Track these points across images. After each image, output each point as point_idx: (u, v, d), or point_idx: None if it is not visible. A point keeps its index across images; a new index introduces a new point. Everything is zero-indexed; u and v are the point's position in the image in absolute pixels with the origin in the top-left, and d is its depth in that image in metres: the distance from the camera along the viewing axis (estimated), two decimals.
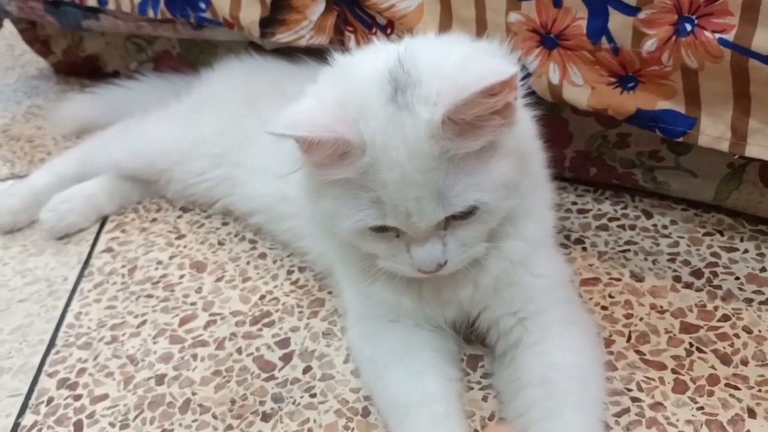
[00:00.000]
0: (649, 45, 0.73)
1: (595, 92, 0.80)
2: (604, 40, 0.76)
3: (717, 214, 0.88)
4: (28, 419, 0.77)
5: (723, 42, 0.69)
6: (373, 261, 0.65)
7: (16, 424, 0.76)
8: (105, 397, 0.78)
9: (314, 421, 0.71)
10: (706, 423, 0.64)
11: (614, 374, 0.70)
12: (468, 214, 0.58)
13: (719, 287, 0.78)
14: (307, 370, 0.77)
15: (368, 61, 0.61)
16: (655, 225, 0.88)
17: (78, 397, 0.79)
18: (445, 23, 0.88)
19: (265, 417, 0.72)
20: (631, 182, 0.92)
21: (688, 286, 0.78)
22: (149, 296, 0.93)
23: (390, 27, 0.93)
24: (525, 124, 0.63)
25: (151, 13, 1.22)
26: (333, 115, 0.55)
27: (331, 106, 0.57)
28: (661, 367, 0.70)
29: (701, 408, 0.65)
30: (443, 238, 0.60)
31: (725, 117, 0.73)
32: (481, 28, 0.85)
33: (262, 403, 0.74)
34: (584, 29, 0.77)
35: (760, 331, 0.72)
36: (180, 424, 0.73)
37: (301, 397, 0.74)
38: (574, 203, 0.95)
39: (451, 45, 0.62)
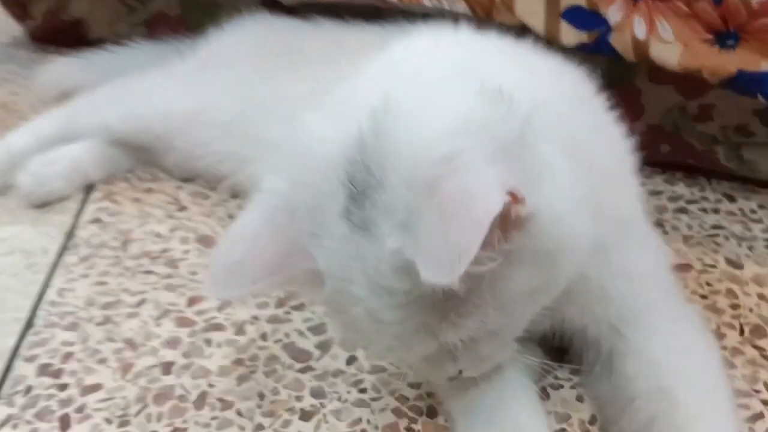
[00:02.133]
0: None
1: (687, 50, 0.70)
2: None
3: None
4: (2, 410, 0.61)
5: None
6: None
7: None
8: (98, 387, 0.63)
9: (368, 421, 0.57)
10: None
11: (734, 373, 0.58)
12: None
13: None
14: (351, 360, 0.63)
15: (328, 127, 0.44)
16: (741, 209, 0.78)
17: (63, 387, 0.63)
18: None
19: (305, 415, 0.58)
20: (710, 162, 0.81)
21: None
22: (148, 272, 0.78)
23: None
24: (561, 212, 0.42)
25: None
26: (283, 243, 0.42)
27: (281, 224, 0.43)
28: None
29: None
30: (452, 351, 0.44)
31: None
32: None
33: (299, 398, 0.60)
34: None
35: None
36: (196, 422, 0.58)
37: (348, 393, 0.60)
38: (644, 184, 0.83)
39: (446, 100, 0.42)
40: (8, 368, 0.66)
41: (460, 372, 0.47)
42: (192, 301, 0.73)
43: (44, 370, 0.65)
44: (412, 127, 0.40)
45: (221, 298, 0.42)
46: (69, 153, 0.96)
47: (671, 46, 0.70)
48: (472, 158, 0.36)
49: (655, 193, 0.83)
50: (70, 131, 0.99)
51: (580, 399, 0.57)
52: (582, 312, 0.53)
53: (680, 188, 0.82)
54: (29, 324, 0.72)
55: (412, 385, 0.60)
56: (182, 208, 0.90)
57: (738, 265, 0.70)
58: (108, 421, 0.60)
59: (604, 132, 0.52)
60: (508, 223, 0.37)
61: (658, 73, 0.78)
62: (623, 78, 0.82)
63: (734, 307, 0.65)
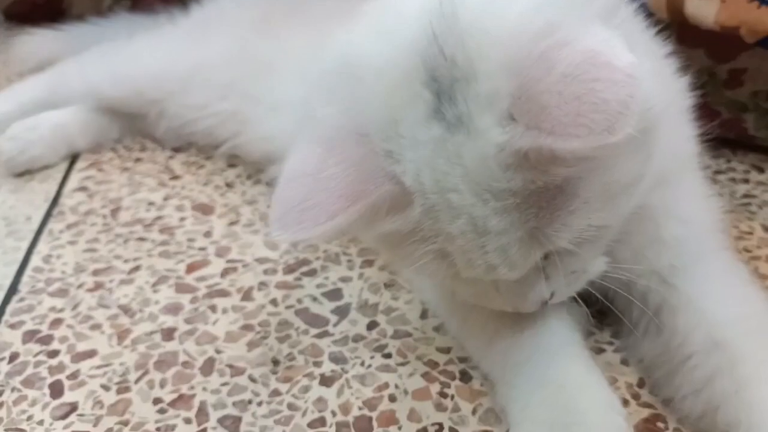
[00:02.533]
0: None
1: (725, 6, 0.66)
2: None
3: None
4: None
5: None
6: None
7: None
8: (92, 353, 0.57)
9: (396, 386, 0.52)
10: None
11: None
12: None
13: None
14: (372, 326, 0.58)
15: (384, 40, 0.40)
16: None
17: (54, 354, 0.57)
18: None
19: (325, 380, 0.53)
20: (737, 131, 0.78)
21: None
22: (141, 239, 0.72)
23: None
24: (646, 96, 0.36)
25: None
26: (356, 169, 0.38)
27: (346, 150, 0.38)
28: None
29: None
30: (544, 270, 0.42)
31: None
32: None
33: (317, 364, 0.54)
34: None
35: None
36: (204, 389, 0.53)
37: (372, 358, 0.55)
38: None
39: None
40: None
41: (551, 296, 0.43)
42: (191, 268, 0.67)
43: (31, 336, 0.59)
44: (493, 10, 0.36)
45: (298, 240, 0.40)
46: (53, 118, 0.90)
47: (709, 3, 0.67)
48: (576, 25, 0.32)
49: None
50: (55, 97, 0.93)
51: (625, 363, 0.53)
52: (635, 256, 0.49)
53: (706, 159, 0.79)
54: (12, 290, 0.65)
55: (441, 350, 0.55)
56: (175, 177, 0.84)
57: None
58: (105, 387, 0.54)
59: (664, 63, 0.48)
60: None
61: (689, 35, 0.75)
62: None
63: None
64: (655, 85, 0.38)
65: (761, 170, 0.76)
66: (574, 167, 0.35)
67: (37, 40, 1.13)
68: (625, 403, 0.49)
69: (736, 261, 0.54)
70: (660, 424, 0.48)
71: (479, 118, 0.35)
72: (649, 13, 0.67)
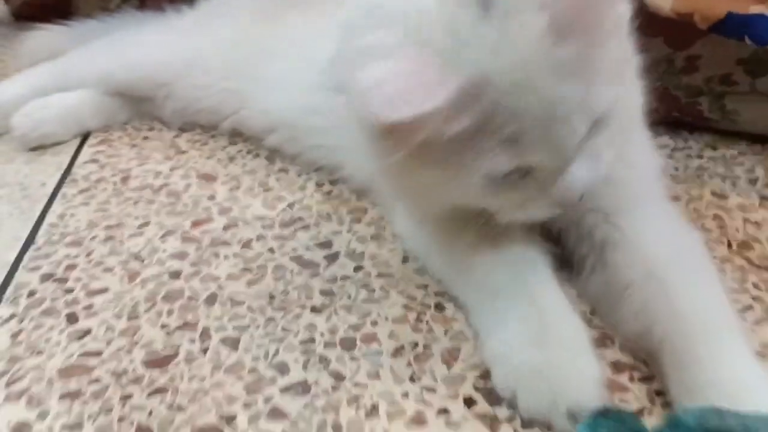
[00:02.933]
0: None
1: None
2: None
3: None
4: (3, 311, 0.60)
5: None
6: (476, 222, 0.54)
7: None
8: (104, 290, 0.63)
9: (378, 314, 0.58)
10: None
11: (724, 276, 0.61)
12: (599, 120, 0.48)
13: None
14: (358, 269, 0.65)
15: None
16: (723, 155, 0.82)
17: (69, 291, 0.64)
18: None
19: (315, 309, 0.59)
20: (694, 114, 0.86)
21: None
22: (150, 201, 0.79)
23: None
24: None
25: None
26: (433, 67, 0.43)
27: (419, 56, 0.44)
28: None
29: None
30: (578, 158, 0.48)
31: None
32: None
33: (309, 297, 0.61)
34: None
35: None
36: (207, 316, 0.59)
37: (357, 293, 0.61)
38: None
39: None
40: (10, 278, 0.66)
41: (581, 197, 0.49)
42: (196, 224, 0.74)
43: (47, 278, 0.66)
44: None
45: (406, 117, 0.40)
46: (65, 99, 0.97)
47: None
48: None
49: None
50: (66, 81, 0.99)
51: (580, 296, 0.59)
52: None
53: (664, 140, 0.86)
54: (29, 242, 0.71)
55: (419, 287, 0.62)
56: (181, 152, 0.91)
57: (723, 197, 0.74)
58: (117, 316, 0.60)
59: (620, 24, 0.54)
60: None
61: (648, 25, 0.83)
62: None
63: (721, 227, 0.69)
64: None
65: (714, 148, 0.84)
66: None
67: (46, 35, 1.20)
68: None
69: (672, 206, 0.61)
70: (608, 341, 0.54)
71: (524, 11, 0.42)
72: None
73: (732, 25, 0.72)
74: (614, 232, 0.57)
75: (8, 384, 0.53)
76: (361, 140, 0.53)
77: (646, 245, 0.55)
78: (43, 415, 0.50)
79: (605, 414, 0.41)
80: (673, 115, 0.88)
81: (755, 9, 0.71)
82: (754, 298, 0.58)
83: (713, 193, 0.74)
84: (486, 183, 0.48)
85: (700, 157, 0.82)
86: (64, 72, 1.01)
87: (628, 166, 0.57)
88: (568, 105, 0.44)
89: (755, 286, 0.60)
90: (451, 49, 0.43)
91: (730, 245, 0.65)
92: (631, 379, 0.51)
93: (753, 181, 0.76)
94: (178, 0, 1.17)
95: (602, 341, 0.55)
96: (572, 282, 0.60)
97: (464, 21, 0.44)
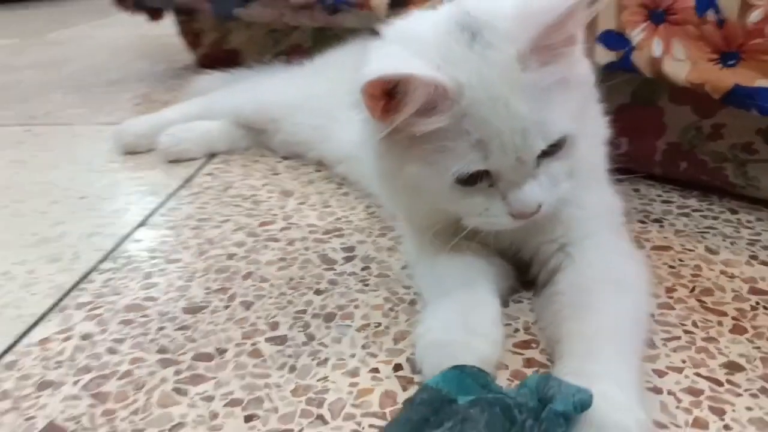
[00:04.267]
0: (754, 16, 0.76)
1: (695, 67, 0.82)
2: (710, 12, 0.79)
3: None
4: (106, 265, 0.84)
5: None
6: (453, 230, 0.65)
7: (95, 268, 0.83)
8: (178, 260, 0.84)
9: (362, 300, 0.73)
10: (761, 359, 0.61)
11: (670, 312, 0.68)
12: (557, 148, 0.59)
13: None
14: (365, 268, 0.80)
15: (427, 20, 0.61)
16: (739, 219, 0.86)
17: (155, 258, 0.85)
18: None
19: (318, 292, 0.75)
20: (721, 179, 0.91)
21: (765, 264, 0.76)
22: (237, 206, 1.00)
23: None
24: (583, 58, 0.64)
25: None
26: (420, 62, 0.54)
27: (411, 56, 0.55)
28: (722, 314, 0.67)
29: (758, 348, 0.62)
30: (537, 178, 0.59)
31: None
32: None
33: (318, 283, 0.77)
34: (693, 2, 0.80)
35: None
36: (239, 286, 0.77)
37: (355, 285, 0.76)
38: (659, 195, 0.95)
39: None
40: (119, 245, 0.89)
41: (539, 208, 0.59)
42: (262, 224, 0.93)
43: (144, 248, 0.88)
44: (490, 8, 0.59)
45: (385, 73, 0.52)
46: (202, 125, 1.23)
47: (682, 64, 0.83)
48: None
49: (665, 201, 0.93)
50: (209, 111, 1.26)
51: (532, 310, 0.70)
52: (543, 229, 0.67)
53: (692, 201, 0.92)
54: (142, 223, 0.95)
55: (405, 287, 0.75)
56: (276, 174, 1.12)
57: (714, 252, 0.79)
58: (179, 278, 0.80)
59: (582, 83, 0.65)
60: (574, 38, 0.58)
61: (678, 94, 0.91)
62: (649, 99, 0.95)
63: (695, 275, 0.74)
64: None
65: (734, 212, 0.88)
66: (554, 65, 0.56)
67: (209, 78, 1.51)
68: (516, 331, 0.66)
69: (629, 246, 0.70)
70: (533, 344, 0.65)
71: (501, 43, 0.55)
72: (637, 72, 0.85)
73: (739, 97, 0.79)
74: (565, 258, 0.68)
75: (89, 311, 0.74)
76: (368, 142, 0.65)
77: (585, 271, 0.65)
78: (102, 332, 0.70)
79: (460, 369, 0.52)
80: (702, 179, 0.94)
81: (761, 83, 0.78)
82: (686, 332, 0.65)
83: (707, 249, 0.80)
84: (455, 185, 0.59)
85: (716, 218, 0.87)
86: (207, 105, 1.28)
87: (581, 207, 0.68)
88: (526, 122, 0.55)
89: (694, 323, 0.66)
90: (440, 62, 0.55)
91: (693, 289, 0.72)
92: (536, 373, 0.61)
93: (752, 243, 0.80)
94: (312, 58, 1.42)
95: (528, 344, 0.65)
96: (532, 298, 0.70)
97: (454, 46, 0.56)
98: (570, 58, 0.59)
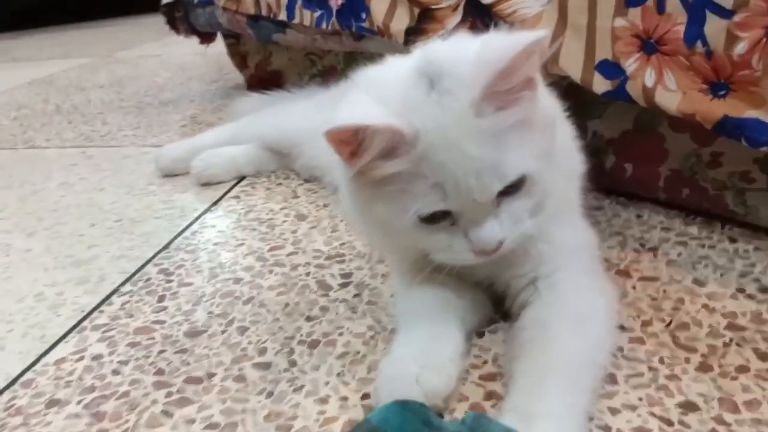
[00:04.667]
0: (740, 48, 0.76)
1: (685, 97, 0.82)
2: (698, 44, 0.79)
3: None
4: (126, 288, 0.91)
5: None
6: (426, 262, 0.68)
7: (116, 290, 0.91)
8: (190, 284, 0.91)
9: (347, 328, 0.78)
10: (719, 399, 0.61)
11: (641, 347, 0.69)
12: (516, 189, 0.62)
13: None
14: (356, 295, 0.84)
15: (393, 68, 0.65)
16: (737, 249, 0.86)
17: (170, 281, 0.92)
18: (560, 29, 0.95)
19: (309, 318, 0.80)
20: (722, 206, 0.91)
21: (751, 297, 0.75)
22: (253, 229, 1.06)
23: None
24: (545, 100, 0.66)
25: (324, 26, 1.41)
26: (380, 111, 0.58)
27: (374, 106, 0.59)
28: (692, 350, 0.68)
29: (719, 387, 0.63)
30: (498, 216, 0.62)
31: None
32: (590, 34, 0.91)
33: (310, 309, 0.82)
34: (682, 34, 0.81)
35: None
36: (238, 311, 0.83)
37: (344, 312, 0.81)
38: (661, 222, 0.95)
39: (464, 40, 0.65)
40: (141, 268, 0.97)
41: (501, 244, 0.62)
42: (272, 248, 0.99)
43: (162, 271, 0.95)
44: (452, 45, 0.64)
45: (346, 124, 0.57)
46: (231, 151, 1.30)
47: (673, 94, 0.83)
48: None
49: (665, 229, 0.93)
50: (239, 137, 1.34)
51: (505, 342, 0.72)
52: (513, 264, 0.70)
53: (693, 229, 0.92)
54: (166, 247, 1.03)
55: (389, 315, 0.79)
56: (295, 197, 1.18)
57: (702, 284, 0.79)
58: (188, 301, 0.87)
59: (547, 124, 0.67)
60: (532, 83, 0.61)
61: (677, 122, 0.91)
62: (650, 125, 0.95)
63: (675, 309, 0.75)
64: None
65: (733, 240, 0.88)
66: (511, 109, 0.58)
67: (249, 101, 1.59)
68: (485, 363, 0.69)
69: (601, 281, 0.71)
70: (498, 377, 0.67)
71: (457, 90, 0.57)
72: (632, 101, 0.86)
73: (729, 127, 0.79)
74: (534, 293, 0.70)
75: (103, 332, 0.82)
76: (343, 181, 0.69)
77: (548, 306, 0.67)
78: (111, 353, 0.77)
79: (402, 404, 0.56)
80: (704, 206, 0.93)
81: (750, 113, 0.78)
82: (650, 369, 0.66)
83: (694, 280, 0.80)
84: (419, 223, 0.62)
85: (712, 247, 0.87)
86: (238, 130, 1.36)
87: (550, 242, 0.70)
88: (481, 164, 0.58)
89: (661, 359, 0.67)
90: (399, 109, 0.58)
91: (669, 324, 0.73)
92: (495, 407, 0.63)
93: (744, 275, 0.80)
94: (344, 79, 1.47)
95: (494, 376, 0.67)
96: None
97: (414, 94, 0.60)
98: (529, 101, 0.62)
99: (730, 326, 0.71)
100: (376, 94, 0.62)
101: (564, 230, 0.71)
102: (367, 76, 0.67)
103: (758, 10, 0.74)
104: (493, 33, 0.64)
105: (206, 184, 1.27)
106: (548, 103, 0.67)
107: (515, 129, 0.60)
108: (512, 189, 0.62)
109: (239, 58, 1.97)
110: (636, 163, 0.99)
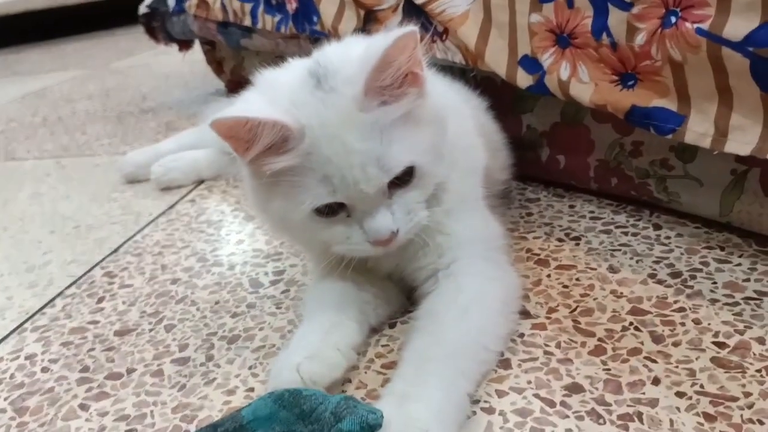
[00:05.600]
0: (639, 39, 0.77)
1: (597, 89, 0.84)
2: (604, 36, 0.81)
3: (728, 234, 0.85)
4: (70, 291, 0.95)
5: (699, 31, 0.71)
6: (331, 255, 0.69)
7: (60, 293, 0.94)
8: (130, 285, 0.94)
9: (268, 323, 0.80)
10: (605, 381, 0.63)
11: (541, 333, 0.71)
12: (406, 181, 0.64)
13: (691, 287, 0.75)
14: (284, 291, 0.87)
15: (287, 71, 0.67)
16: (659, 235, 0.87)
17: (112, 283, 0.96)
18: (486, 28, 0.97)
19: (234, 315, 0.83)
20: (647, 194, 0.92)
21: (660, 282, 0.77)
22: (201, 231, 1.09)
23: (445, 33, 1.04)
24: (437, 97, 0.68)
25: (283, 30, 1.44)
26: (268, 107, 0.60)
27: (264, 103, 0.62)
28: (590, 334, 0.70)
29: (608, 370, 0.64)
30: (390, 207, 0.64)
31: (710, 114, 0.74)
32: (512, 31, 0.93)
33: (237, 306, 0.85)
34: (589, 27, 0.82)
35: (709, 324, 0.69)
36: (170, 310, 0.86)
37: (269, 308, 0.83)
38: (591, 212, 0.96)
39: (354, 41, 0.68)
40: (88, 272, 1.00)
41: (397, 231, 0.64)
42: (214, 249, 1.02)
43: (107, 274, 0.99)
44: (343, 47, 0.67)
45: (228, 116, 0.59)
46: (191, 155, 1.33)
47: (586, 86, 0.85)
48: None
49: (594, 218, 0.95)
50: (200, 142, 1.37)
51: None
52: (415, 256, 0.72)
53: (621, 217, 0.93)
54: (115, 251, 1.06)
55: None
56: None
57: (615, 270, 0.81)
58: (124, 302, 0.90)
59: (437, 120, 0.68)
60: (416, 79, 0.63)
61: (598, 113, 0.93)
62: (575, 117, 0.97)
63: (584, 295, 0.76)
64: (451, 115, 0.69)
65: (659, 228, 0.89)
66: (395, 104, 0.61)
67: (220, 105, 1.60)
68: (390, 351, 0.71)
69: (503, 271, 0.73)
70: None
71: (341, 87, 0.60)
72: (551, 94, 0.88)
73: (638, 116, 0.81)
74: (435, 284, 0.72)
75: (41, 333, 0.85)
76: (244, 179, 0.72)
77: (440, 296, 0.70)
78: (44, 353, 0.81)
79: (277, 396, 0.57)
80: (632, 194, 0.95)
81: (656, 102, 0.79)
82: (546, 353, 0.68)
83: (609, 267, 0.81)
84: (315, 216, 0.65)
85: (636, 234, 0.88)
86: (198, 135, 1.39)
87: (448, 234, 0.72)
88: (365, 157, 0.61)
89: (558, 344, 0.69)
90: (287, 106, 0.61)
91: (574, 310, 0.74)
92: None
93: (659, 260, 0.81)
94: None
95: (395, 365, 0.69)
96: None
97: (301, 91, 0.62)
98: (415, 97, 0.64)
99: (633, 311, 0.73)
100: (268, 92, 0.65)
101: (462, 223, 0.72)
102: (263, 77, 0.69)
103: (653, 2, 0.75)
104: (380, 34, 0.66)
105: (166, 189, 1.30)
106: (440, 101, 0.68)
107: (401, 123, 0.63)
108: (402, 181, 0.64)
109: (216, 64, 2.01)
110: (567, 155, 1.01)
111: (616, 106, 0.82)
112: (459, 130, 0.73)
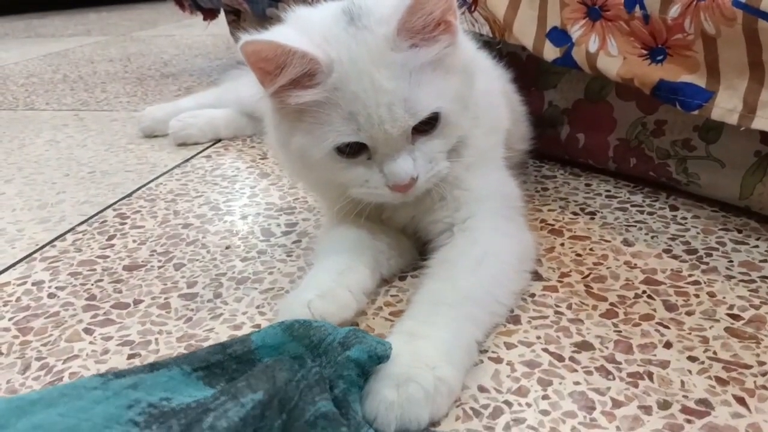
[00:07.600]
0: (673, 11, 0.76)
1: (625, 62, 0.83)
2: (637, 8, 0.80)
3: (746, 218, 0.84)
4: (81, 228, 0.95)
5: (736, 3, 0.70)
6: (347, 199, 0.69)
7: (72, 229, 0.94)
8: (142, 227, 0.94)
9: (278, 269, 0.80)
10: (615, 341, 0.62)
11: (552, 294, 0.70)
12: (431, 127, 0.64)
13: (706, 263, 0.74)
14: (296, 242, 0.87)
15: (320, 9, 0.67)
16: (675, 216, 0.86)
17: (123, 224, 0.95)
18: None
19: (245, 259, 0.83)
20: (666, 174, 0.91)
21: (675, 257, 0.76)
22: (215, 184, 1.09)
23: (474, 4, 1.04)
24: (468, 51, 0.68)
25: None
26: (300, 38, 0.60)
27: (296, 34, 0.61)
28: (602, 299, 0.69)
29: (619, 332, 0.64)
30: (412, 153, 0.64)
31: (740, 89, 0.73)
32: (543, 2, 0.93)
33: (248, 252, 0.85)
34: None
35: (724, 298, 0.68)
36: (180, 251, 0.86)
37: (279, 255, 0.83)
38: (608, 191, 0.96)
39: None
40: (100, 212, 1.00)
41: (417, 177, 0.64)
42: (228, 200, 1.02)
43: (119, 216, 0.98)
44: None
45: (259, 40, 0.58)
46: (209, 113, 1.33)
47: (614, 59, 0.84)
48: None
49: (610, 197, 0.94)
50: (219, 101, 1.37)
51: None
52: (432, 209, 0.72)
53: (637, 198, 0.93)
54: (129, 195, 1.06)
55: None
56: (264, 158, 1.21)
57: (630, 244, 0.80)
58: (134, 241, 0.90)
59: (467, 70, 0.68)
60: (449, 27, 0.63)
61: (624, 90, 0.92)
62: (599, 94, 0.96)
63: (597, 264, 0.76)
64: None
65: (676, 209, 0.88)
66: (425, 48, 0.61)
67: (241, 72, 1.61)
68: (399, 301, 0.71)
69: (518, 230, 0.72)
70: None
71: (374, 26, 0.60)
72: (578, 67, 0.87)
73: (664, 91, 0.80)
74: (449, 237, 0.72)
75: (49, 263, 0.85)
76: (267, 116, 0.72)
77: (455, 247, 0.69)
78: (51, 280, 0.81)
79: (287, 326, 0.57)
80: (650, 175, 0.94)
81: (685, 78, 0.78)
82: (556, 313, 0.67)
83: (624, 241, 0.81)
84: (336, 155, 0.64)
85: (652, 214, 0.87)
86: (218, 95, 1.39)
87: (467, 189, 0.71)
88: (393, 97, 0.61)
89: (569, 306, 0.68)
90: (318, 40, 0.61)
91: (587, 276, 0.74)
92: None
93: (674, 238, 0.81)
94: None
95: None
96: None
97: (334, 27, 0.62)
98: (445, 45, 0.63)
99: (647, 281, 0.72)
100: (300, 27, 0.64)
101: (481, 179, 0.72)
102: (296, 14, 0.69)
103: None
104: None
105: (182, 144, 1.30)
106: (470, 55, 0.68)
107: (430, 69, 0.62)
108: (427, 128, 0.64)
109: (240, 34, 2.00)
110: (587, 133, 1.00)
111: (643, 80, 0.81)
112: (485, 88, 0.72)
